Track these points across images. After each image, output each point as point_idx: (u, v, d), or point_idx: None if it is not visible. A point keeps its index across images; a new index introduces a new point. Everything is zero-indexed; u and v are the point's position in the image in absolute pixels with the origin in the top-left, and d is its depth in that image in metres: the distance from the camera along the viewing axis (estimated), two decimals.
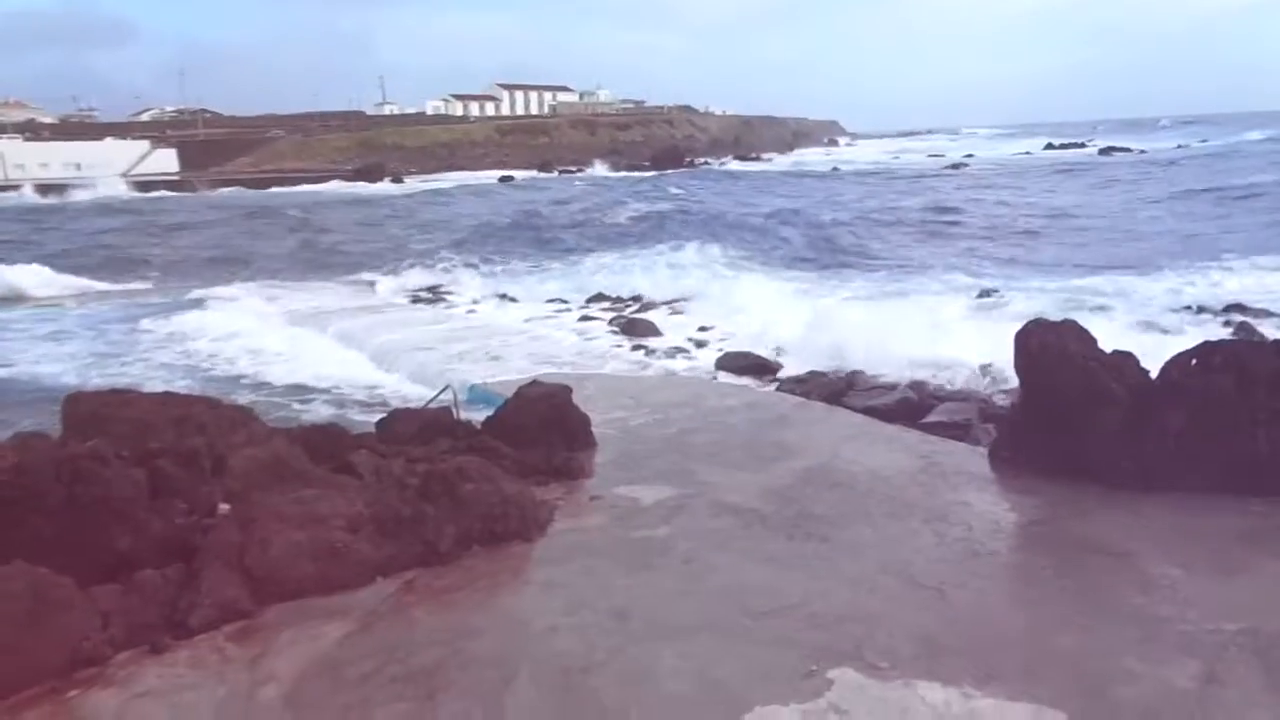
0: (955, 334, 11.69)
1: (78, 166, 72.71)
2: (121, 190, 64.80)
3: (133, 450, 4.97)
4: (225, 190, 66.75)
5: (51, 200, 58.90)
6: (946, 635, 4.13)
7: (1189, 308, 14.97)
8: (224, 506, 5.08)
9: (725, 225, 28.82)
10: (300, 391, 12.23)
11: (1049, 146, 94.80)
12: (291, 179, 69.61)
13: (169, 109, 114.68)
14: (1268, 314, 14.26)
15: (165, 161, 79.44)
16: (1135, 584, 4.57)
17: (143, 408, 5.92)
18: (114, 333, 17.45)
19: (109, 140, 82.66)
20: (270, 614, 4.49)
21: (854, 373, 10.79)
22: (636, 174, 70.02)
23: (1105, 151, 76.74)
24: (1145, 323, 13.68)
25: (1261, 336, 11.17)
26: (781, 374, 11.54)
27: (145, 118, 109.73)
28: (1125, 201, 36.34)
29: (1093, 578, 4.68)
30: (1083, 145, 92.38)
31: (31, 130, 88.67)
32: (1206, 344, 6.18)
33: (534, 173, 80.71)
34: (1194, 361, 5.98)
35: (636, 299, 18.09)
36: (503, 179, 71.24)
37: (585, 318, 16.83)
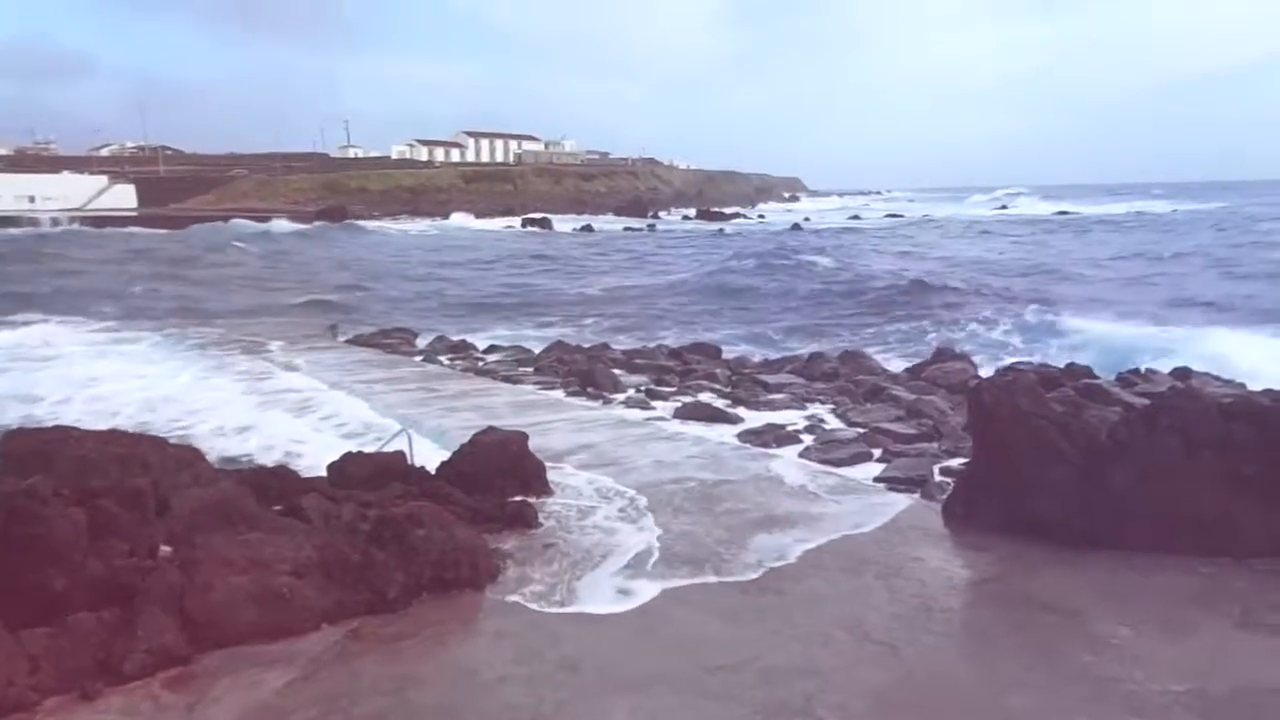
0: None
1: (30, 199, 71.54)
2: (73, 225, 63.39)
3: (73, 489, 4.83)
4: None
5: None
6: (899, 692, 4.11)
7: None
8: (166, 549, 4.94)
9: None
10: None
11: (1001, 207, 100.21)
12: (256, 217, 68.72)
13: (129, 145, 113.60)
14: None
15: (123, 197, 78.39)
16: (1084, 643, 4.60)
17: (86, 445, 5.78)
18: None
19: (65, 174, 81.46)
20: (209, 660, 4.36)
21: (812, 424, 10.81)
22: None
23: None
24: None
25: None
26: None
27: (105, 153, 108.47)
28: None
29: (1043, 636, 4.71)
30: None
31: None
32: (1153, 404, 6.30)
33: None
34: (1140, 421, 6.10)
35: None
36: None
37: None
